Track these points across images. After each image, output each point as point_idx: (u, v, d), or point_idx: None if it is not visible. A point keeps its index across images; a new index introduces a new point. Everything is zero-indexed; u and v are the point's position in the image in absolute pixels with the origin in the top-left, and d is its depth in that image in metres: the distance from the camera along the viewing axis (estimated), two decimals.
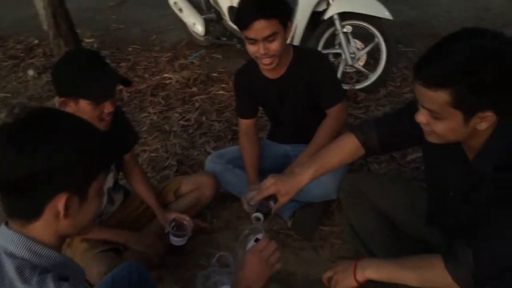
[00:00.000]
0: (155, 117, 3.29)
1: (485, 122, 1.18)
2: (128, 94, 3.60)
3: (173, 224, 2.01)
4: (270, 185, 1.55)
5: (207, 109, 3.30)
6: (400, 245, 1.75)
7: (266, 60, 1.95)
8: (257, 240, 1.47)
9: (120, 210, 2.10)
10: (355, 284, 1.46)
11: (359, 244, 1.83)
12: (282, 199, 1.56)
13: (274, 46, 1.90)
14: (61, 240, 1.03)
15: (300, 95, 2.11)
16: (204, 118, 3.18)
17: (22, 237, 0.96)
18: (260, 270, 1.28)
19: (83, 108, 1.66)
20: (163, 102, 3.46)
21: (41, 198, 0.95)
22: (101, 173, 1.04)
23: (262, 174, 2.32)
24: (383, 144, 1.58)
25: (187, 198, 2.18)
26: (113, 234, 1.92)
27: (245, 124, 2.27)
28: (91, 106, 1.66)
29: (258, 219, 1.50)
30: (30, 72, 4.15)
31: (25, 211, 0.96)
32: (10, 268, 0.93)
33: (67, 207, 0.96)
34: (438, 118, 1.20)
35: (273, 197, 1.57)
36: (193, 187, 2.20)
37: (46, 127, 0.96)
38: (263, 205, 1.55)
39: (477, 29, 1.17)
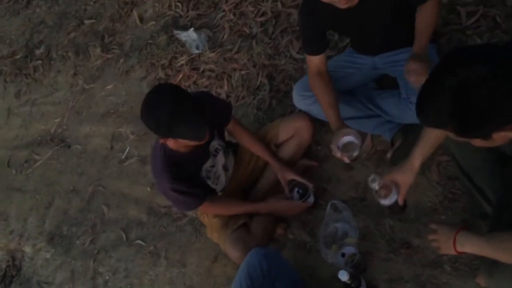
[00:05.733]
0: (231, 16, 3.16)
1: (508, 134, 1.14)
2: None
3: (296, 189, 2.17)
4: (390, 179, 1.71)
5: None
6: (507, 182, 1.71)
7: (342, 2, 1.70)
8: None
9: (235, 170, 2.29)
10: (455, 253, 1.60)
11: (464, 180, 1.82)
12: (403, 190, 1.72)
13: None
14: None
15: (384, 18, 1.86)
16: (280, 6, 2.96)
17: None
18: None
19: (183, 142, 1.77)
20: None
21: None
22: None
23: (351, 93, 2.25)
24: None
25: (289, 146, 2.26)
26: (250, 207, 2.17)
27: (315, 62, 2.02)
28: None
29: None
30: None
31: None
32: None
33: None
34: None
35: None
36: (291, 133, 2.25)
37: None
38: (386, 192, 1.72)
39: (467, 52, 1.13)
